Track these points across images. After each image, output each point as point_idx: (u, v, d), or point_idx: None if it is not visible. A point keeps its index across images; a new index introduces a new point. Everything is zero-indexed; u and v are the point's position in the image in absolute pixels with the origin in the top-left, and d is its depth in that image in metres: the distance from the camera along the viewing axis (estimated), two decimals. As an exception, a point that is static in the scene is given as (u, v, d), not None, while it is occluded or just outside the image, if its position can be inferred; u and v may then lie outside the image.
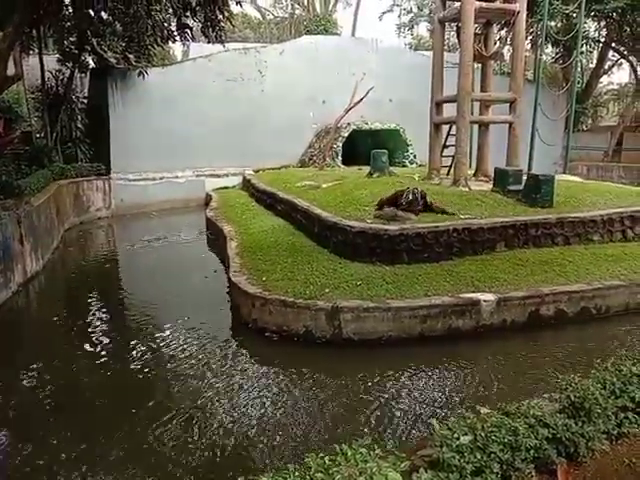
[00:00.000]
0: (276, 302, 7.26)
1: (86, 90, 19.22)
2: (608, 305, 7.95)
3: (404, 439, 4.88)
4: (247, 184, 17.36)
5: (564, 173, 17.16)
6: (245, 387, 6.02)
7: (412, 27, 38.96)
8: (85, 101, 18.47)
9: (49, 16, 14.88)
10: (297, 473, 2.34)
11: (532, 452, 2.62)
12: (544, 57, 23.37)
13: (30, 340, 7.76)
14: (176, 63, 20.84)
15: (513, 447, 2.59)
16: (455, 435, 2.63)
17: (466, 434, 2.64)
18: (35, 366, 6.63)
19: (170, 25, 15.93)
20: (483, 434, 2.63)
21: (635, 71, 24.54)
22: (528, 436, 2.66)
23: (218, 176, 19.47)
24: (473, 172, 13.59)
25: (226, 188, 18.79)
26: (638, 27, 21.84)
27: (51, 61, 17.22)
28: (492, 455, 2.52)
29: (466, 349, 6.96)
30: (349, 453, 2.43)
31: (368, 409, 5.51)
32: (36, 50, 16.70)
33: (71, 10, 15.30)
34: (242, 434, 5.09)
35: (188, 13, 15.16)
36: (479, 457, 2.49)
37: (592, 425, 2.85)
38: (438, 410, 5.48)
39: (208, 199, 17.36)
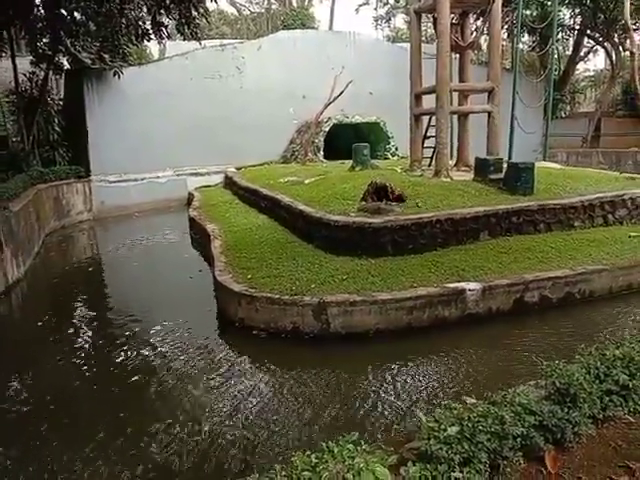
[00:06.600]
0: (262, 299, 7.21)
1: (62, 92, 18.88)
2: (592, 289, 8.04)
3: (394, 432, 4.87)
4: (229, 182, 17.24)
5: (544, 160, 17.29)
6: (233, 386, 5.97)
7: (389, 19, 39.10)
8: (61, 103, 18.13)
9: (20, 17, 14.59)
10: (284, 472, 2.31)
11: (519, 440, 2.62)
12: (521, 46, 23.50)
13: (14, 347, 7.62)
14: (152, 62, 20.55)
15: (500, 436, 2.58)
16: (442, 426, 2.62)
17: (453, 425, 2.63)
18: (18, 373, 6.50)
19: (144, 23, 15.72)
20: (470, 424, 2.62)
21: (610, 57, 24.81)
22: (515, 424, 2.66)
23: (200, 175, 19.31)
24: (454, 162, 13.65)
25: (208, 187, 18.62)
26: (611, 14, 22.08)
27: (25, 63, 16.85)
28: (480, 445, 2.51)
29: (453, 338, 6.98)
30: (336, 450, 2.40)
31: (357, 403, 5.50)
32: (8, 52, 16.35)
33: (43, 11, 15.02)
34: (228, 434, 5.04)
35: (162, 11, 15.00)
36: (467, 447, 2.48)
37: (578, 410, 2.86)
38: (427, 401, 5.49)
39: (190, 198, 17.18)
